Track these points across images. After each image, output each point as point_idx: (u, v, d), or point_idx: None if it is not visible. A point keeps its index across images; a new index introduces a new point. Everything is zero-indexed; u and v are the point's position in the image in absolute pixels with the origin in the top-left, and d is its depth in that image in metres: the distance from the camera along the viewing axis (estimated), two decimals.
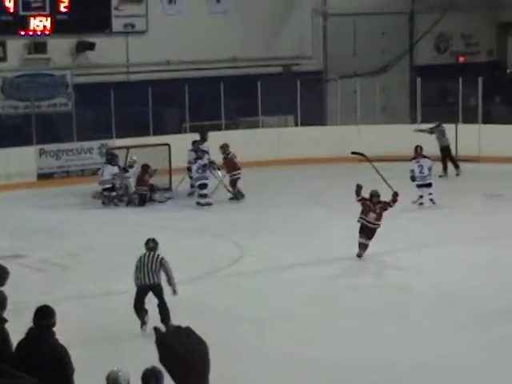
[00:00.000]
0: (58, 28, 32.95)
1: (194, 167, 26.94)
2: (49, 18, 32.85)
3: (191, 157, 28.18)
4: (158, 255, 15.74)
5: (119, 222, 25.89)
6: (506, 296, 18.07)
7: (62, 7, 32.94)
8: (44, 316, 10.84)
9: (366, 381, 14.64)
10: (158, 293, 15.59)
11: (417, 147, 27.24)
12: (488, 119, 33.91)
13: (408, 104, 37.82)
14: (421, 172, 26.65)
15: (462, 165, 31.62)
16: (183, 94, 32.26)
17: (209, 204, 26.43)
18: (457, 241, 22.55)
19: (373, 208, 20.76)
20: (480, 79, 33.16)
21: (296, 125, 34.96)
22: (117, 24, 34.07)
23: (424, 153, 27.19)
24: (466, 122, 33.24)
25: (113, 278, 20.00)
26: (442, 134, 30.36)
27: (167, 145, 29.25)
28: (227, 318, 17.07)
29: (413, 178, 26.49)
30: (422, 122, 33.94)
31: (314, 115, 35.68)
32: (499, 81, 38.03)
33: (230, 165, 27.36)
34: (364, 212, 20.86)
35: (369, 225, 20.70)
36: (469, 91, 33.69)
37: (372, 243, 21.07)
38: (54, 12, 32.83)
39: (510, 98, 36.13)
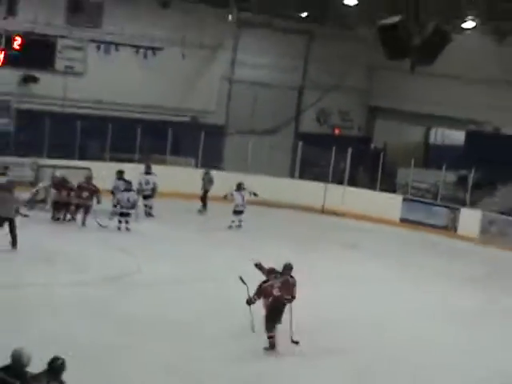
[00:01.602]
0: (10, 61, 32.37)
1: (124, 196, 26.49)
2: (3, 52, 32.34)
3: (117, 184, 27.72)
4: None
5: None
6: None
7: (16, 44, 32.44)
8: None
9: None
10: None
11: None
12: (352, 183, 34.85)
13: (289, 162, 38.38)
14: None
15: (327, 218, 32.68)
16: (107, 130, 31.97)
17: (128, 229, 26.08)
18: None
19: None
20: (349, 149, 34.29)
21: (196, 167, 34.63)
22: (59, 64, 33.67)
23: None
24: (334, 182, 34.01)
25: None
26: (209, 181, 30.88)
27: (88, 168, 28.89)
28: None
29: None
30: (300, 178, 35.22)
31: (214, 161, 35.59)
32: (364, 153, 38.82)
33: None
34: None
35: None
36: (339, 158, 34.51)
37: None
38: (8, 48, 32.31)
39: (371, 168, 36.74)
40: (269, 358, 15.57)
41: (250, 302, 15.58)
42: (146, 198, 28.73)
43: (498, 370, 16.30)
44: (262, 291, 15.66)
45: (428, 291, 22.51)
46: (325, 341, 16.81)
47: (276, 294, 15.62)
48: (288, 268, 16.01)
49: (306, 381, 14.80)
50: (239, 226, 28.22)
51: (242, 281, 15.57)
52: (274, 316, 15.63)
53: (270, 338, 15.61)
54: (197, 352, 15.32)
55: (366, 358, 16.16)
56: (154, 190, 28.81)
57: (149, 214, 28.66)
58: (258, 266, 16.36)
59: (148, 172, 29.36)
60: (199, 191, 31.12)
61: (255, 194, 28.97)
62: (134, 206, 26.65)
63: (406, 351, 16.87)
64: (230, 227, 28.04)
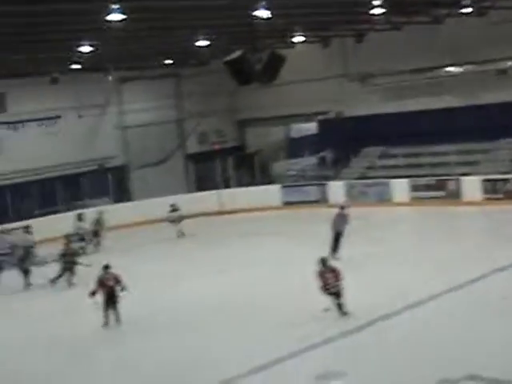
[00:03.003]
0: None
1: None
2: None
3: (78, 225, 29.26)
4: None
5: None
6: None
7: None
8: None
9: None
10: None
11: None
12: (239, 184, 36.36)
13: (185, 180, 39.47)
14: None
15: (223, 217, 33.45)
16: (31, 192, 32.97)
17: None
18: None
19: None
20: (230, 159, 36.21)
21: (112, 203, 35.50)
22: None
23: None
24: (225, 187, 35.70)
25: None
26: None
27: (28, 226, 29.16)
28: None
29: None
30: (197, 191, 36.39)
31: (124, 195, 37.18)
32: (242, 158, 39.92)
33: None
34: None
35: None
36: (224, 167, 36.43)
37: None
38: None
39: (250, 170, 38.31)
40: None
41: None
42: (81, 240, 29.01)
43: None
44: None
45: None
46: None
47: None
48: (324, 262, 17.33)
49: None
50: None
51: None
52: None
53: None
54: None
55: None
56: (88, 233, 29.30)
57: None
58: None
59: (80, 219, 29.87)
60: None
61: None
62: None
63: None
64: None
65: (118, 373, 15.74)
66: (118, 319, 18.55)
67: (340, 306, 17.23)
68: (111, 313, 18.52)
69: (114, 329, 18.55)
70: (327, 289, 17.11)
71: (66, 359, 16.82)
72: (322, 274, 17.19)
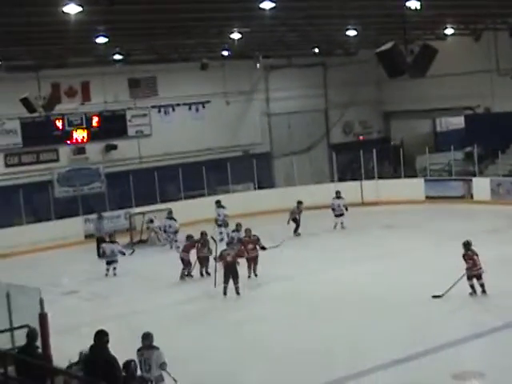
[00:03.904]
0: (92, 136, 34.22)
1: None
2: (86, 130, 34.16)
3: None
4: None
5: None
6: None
7: (94, 122, 34.29)
8: (102, 336, 10.96)
9: None
10: None
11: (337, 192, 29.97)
12: (381, 176, 35.29)
13: (328, 170, 38.99)
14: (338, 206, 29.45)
15: (365, 208, 32.91)
16: (177, 174, 32.73)
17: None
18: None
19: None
20: (374, 150, 35.14)
21: (255, 189, 35.88)
22: (131, 131, 35.41)
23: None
24: (367, 179, 34.74)
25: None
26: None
27: (170, 208, 29.60)
28: None
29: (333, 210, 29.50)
30: (339, 181, 35.63)
31: (267, 182, 37.30)
32: (386, 151, 39.20)
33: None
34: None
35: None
36: (367, 158, 35.37)
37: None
38: (89, 126, 34.20)
39: (394, 162, 37.38)
40: None
41: None
42: (220, 226, 28.49)
43: None
44: None
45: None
46: None
47: None
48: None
49: None
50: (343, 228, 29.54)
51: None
52: None
53: None
54: None
55: None
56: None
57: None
58: None
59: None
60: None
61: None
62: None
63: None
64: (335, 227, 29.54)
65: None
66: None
67: (482, 286, 18.52)
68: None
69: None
70: (473, 270, 18.35)
71: None
72: (466, 258, 18.52)
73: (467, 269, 18.43)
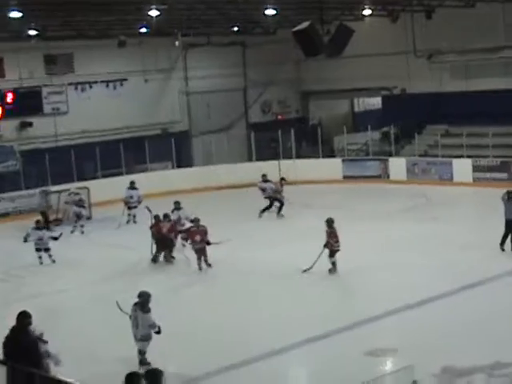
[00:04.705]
0: (7, 113, 33.29)
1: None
2: (0, 107, 33.17)
3: (129, 193, 28.20)
4: None
5: None
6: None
7: (9, 99, 33.48)
8: (23, 318, 10.98)
9: None
10: None
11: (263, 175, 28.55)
12: (299, 156, 35.80)
13: (246, 149, 38.85)
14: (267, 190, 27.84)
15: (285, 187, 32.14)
16: (95, 153, 32.52)
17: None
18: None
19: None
20: (292, 130, 35.43)
21: (173, 168, 35.65)
22: (47, 108, 34.78)
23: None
24: (285, 158, 34.85)
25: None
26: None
27: (86, 188, 30.17)
28: None
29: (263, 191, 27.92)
30: (256, 160, 35.68)
31: (185, 161, 37.09)
32: (305, 130, 39.57)
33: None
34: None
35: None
36: (285, 138, 35.51)
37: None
38: (3, 103, 33.33)
39: (312, 142, 37.41)
40: None
41: None
42: (130, 208, 28.18)
43: None
44: None
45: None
46: None
47: None
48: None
49: None
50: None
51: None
52: None
53: None
54: None
55: None
56: (139, 202, 27.83)
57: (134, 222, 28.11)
58: None
59: (132, 187, 28.64)
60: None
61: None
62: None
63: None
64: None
65: None
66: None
67: (334, 264, 19.14)
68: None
69: None
70: (333, 246, 19.00)
71: None
72: (329, 234, 19.08)
73: (328, 245, 18.97)
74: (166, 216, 22.66)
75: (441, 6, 32.80)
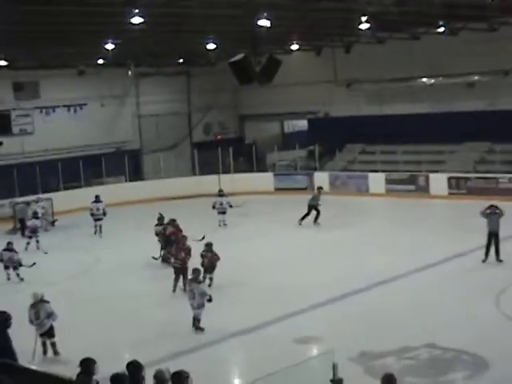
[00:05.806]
0: None
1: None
2: None
3: (94, 206, 26.91)
4: None
5: None
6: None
7: None
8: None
9: None
10: None
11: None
12: (236, 171, 35.55)
13: (190, 165, 38.67)
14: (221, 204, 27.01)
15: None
16: (57, 168, 31.87)
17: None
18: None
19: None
20: (231, 148, 35.32)
21: (126, 181, 35.18)
22: (15, 129, 34.36)
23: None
24: (224, 173, 34.74)
25: None
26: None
27: (50, 198, 29.79)
28: None
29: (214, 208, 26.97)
30: (199, 174, 35.59)
31: (137, 175, 37.05)
32: (241, 148, 39.27)
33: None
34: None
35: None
36: (224, 155, 35.47)
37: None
38: None
39: (247, 158, 37.20)
40: None
41: None
42: (96, 220, 26.85)
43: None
44: None
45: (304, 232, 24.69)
46: None
47: None
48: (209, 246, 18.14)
49: None
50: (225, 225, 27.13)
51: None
52: None
53: None
54: None
55: None
56: (104, 214, 26.81)
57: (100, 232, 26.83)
58: None
59: (97, 200, 27.26)
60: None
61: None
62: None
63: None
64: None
65: None
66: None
67: (211, 280, 17.93)
68: None
69: None
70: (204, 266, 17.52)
71: None
72: (202, 255, 18.00)
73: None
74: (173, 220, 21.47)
75: (357, 43, 33.57)
